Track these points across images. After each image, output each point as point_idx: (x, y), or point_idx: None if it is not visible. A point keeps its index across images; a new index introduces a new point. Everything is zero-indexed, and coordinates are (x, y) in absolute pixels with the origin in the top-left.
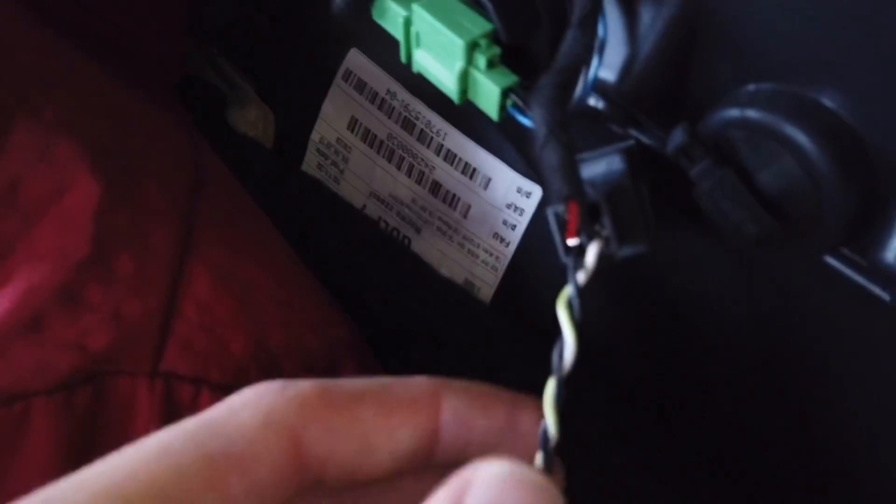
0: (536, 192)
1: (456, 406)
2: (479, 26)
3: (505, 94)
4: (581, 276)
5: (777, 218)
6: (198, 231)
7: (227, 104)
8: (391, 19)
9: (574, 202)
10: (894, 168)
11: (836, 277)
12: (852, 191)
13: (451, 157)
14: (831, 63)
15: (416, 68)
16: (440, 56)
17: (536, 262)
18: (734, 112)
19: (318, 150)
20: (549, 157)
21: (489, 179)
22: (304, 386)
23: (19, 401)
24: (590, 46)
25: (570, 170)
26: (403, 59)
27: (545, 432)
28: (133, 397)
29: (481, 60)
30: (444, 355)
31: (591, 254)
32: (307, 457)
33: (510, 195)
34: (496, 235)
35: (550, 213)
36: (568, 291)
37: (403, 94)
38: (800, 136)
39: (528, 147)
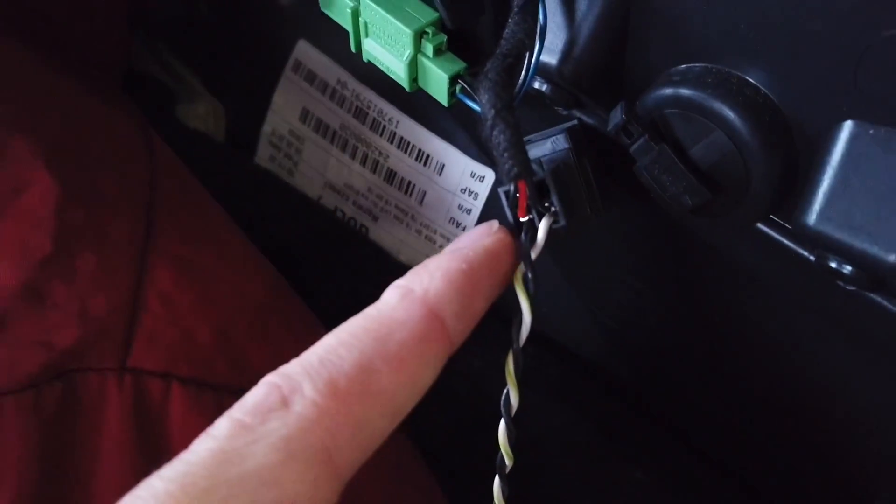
0: (489, 175)
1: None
2: (425, 14)
3: (453, 80)
4: (534, 253)
5: (710, 189)
6: (157, 223)
7: (175, 100)
8: (339, 10)
9: (523, 181)
10: (811, 138)
11: (766, 242)
12: (776, 161)
13: (404, 145)
14: (753, 43)
15: (366, 57)
16: (389, 45)
17: None
18: (668, 91)
19: (270, 142)
20: (498, 138)
21: (443, 165)
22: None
23: None
24: (532, 32)
25: (518, 150)
26: (353, 48)
27: (507, 399)
28: (102, 394)
29: (429, 48)
30: None
31: (542, 229)
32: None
33: (464, 180)
34: (452, 220)
35: (501, 192)
36: (521, 267)
37: (354, 84)
38: (727, 112)
39: (479, 130)
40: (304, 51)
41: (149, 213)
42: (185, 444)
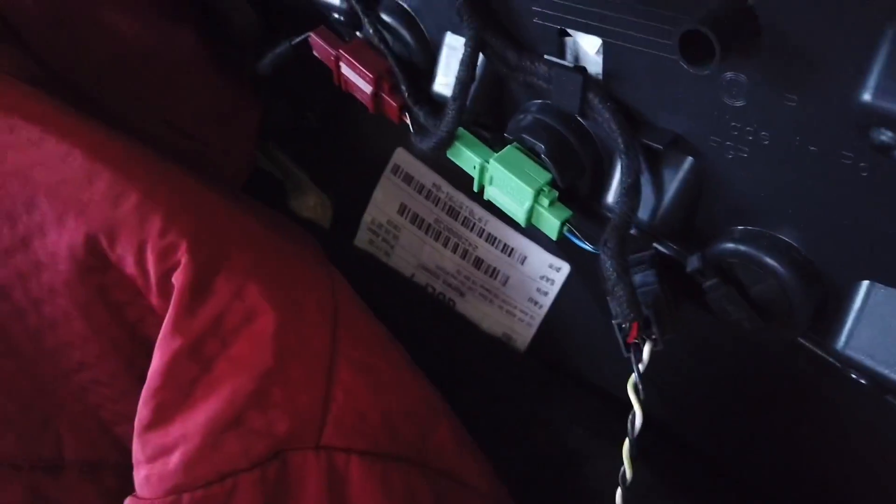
0: (566, 267)
1: None
2: (542, 176)
3: (562, 223)
4: (641, 366)
5: (763, 318)
6: (340, 332)
7: (286, 192)
8: (466, 162)
9: (637, 322)
10: (835, 283)
11: (804, 351)
12: (811, 299)
13: (491, 239)
14: (788, 213)
15: (487, 196)
16: (510, 194)
17: (565, 321)
18: (730, 246)
19: (369, 228)
20: (619, 292)
21: (525, 257)
22: None
23: (229, 477)
24: (635, 208)
25: (633, 302)
26: (475, 189)
27: (623, 476)
28: (304, 467)
29: (545, 201)
30: (486, 396)
31: (646, 351)
32: None
33: (543, 269)
34: (531, 300)
35: (616, 325)
36: (633, 377)
37: (447, 188)
38: (775, 266)
39: (601, 281)
40: (402, 157)
41: (334, 323)
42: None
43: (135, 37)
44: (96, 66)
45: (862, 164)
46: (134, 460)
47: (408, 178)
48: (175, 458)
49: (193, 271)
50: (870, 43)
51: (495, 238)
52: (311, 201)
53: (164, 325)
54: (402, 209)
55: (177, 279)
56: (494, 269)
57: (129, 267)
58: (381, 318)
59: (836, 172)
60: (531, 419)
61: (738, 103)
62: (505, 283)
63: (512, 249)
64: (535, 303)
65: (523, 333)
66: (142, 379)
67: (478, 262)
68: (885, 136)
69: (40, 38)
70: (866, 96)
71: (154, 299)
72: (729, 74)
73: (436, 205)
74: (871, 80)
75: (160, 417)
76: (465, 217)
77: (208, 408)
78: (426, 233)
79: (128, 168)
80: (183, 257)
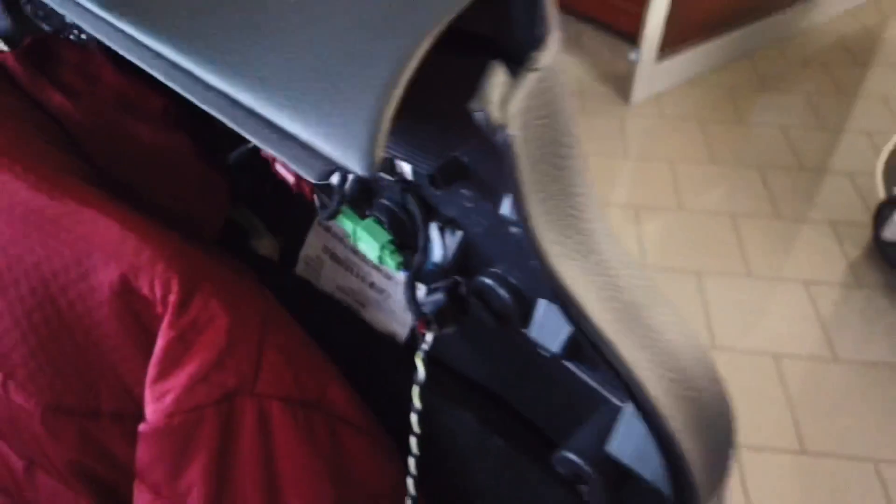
0: (423, 287)
1: None
2: (386, 237)
3: (398, 264)
4: (425, 346)
5: (499, 320)
6: (267, 327)
7: (250, 236)
8: (346, 226)
9: (421, 321)
10: (528, 299)
11: (519, 335)
12: (520, 308)
13: (378, 269)
14: (504, 262)
15: (353, 242)
16: (369, 245)
17: None
18: (483, 279)
19: (304, 261)
20: (411, 305)
21: (399, 281)
22: None
23: (200, 409)
24: (425, 259)
25: (417, 309)
26: (351, 241)
27: (418, 377)
28: (244, 405)
29: (387, 251)
30: (378, 372)
31: (430, 336)
32: None
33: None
34: (405, 309)
35: (413, 323)
36: (420, 351)
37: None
38: (502, 292)
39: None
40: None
41: (264, 321)
42: (280, 428)
43: (151, 140)
44: (127, 161)
45: (514, 230)
46: (146, 402)
47: (328, 229)
48: (169, 398)
49: (180, 294)
50: (506, 186)
51: (380, 269)
52: (266, 243)
53: (163, 324)
54: (325, 249)
55: (171, 298)
56: (382, 288)
57: (145, 290)
58: (312, 322)
59: (500, 238)
60: (404, 386)
61: (470, 204)
62: (388, 298)
63: (391, 276)
64: (407, 311)
65: (401, 332)
66: (150, 357)
67: (371, 285)
68: (515, 229)
69: (91, 145)
70: (503, 210)
71: (159, 309)
72: (464, 191)
73: (345, 247)
74: (506, 201)
75: (161, 375)
76: (362, 256)
77: (188, 370)
78: (339, 265)
79: (144, 234)
80: (175, 286)
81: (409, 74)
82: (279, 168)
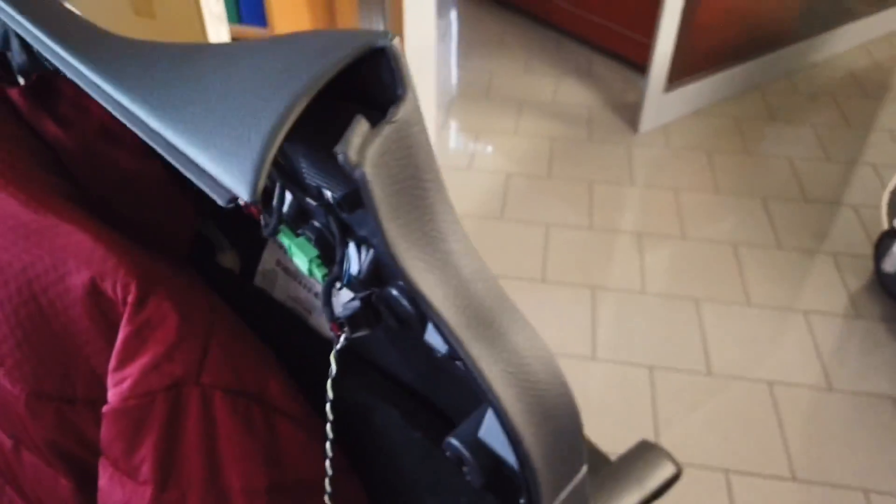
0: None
1: None
2: (314, 252)
3: (323, 276)
4: (338, 345)
5: (401, 325)
6: (213, 328)
7: (215, 250)
8: (284, 242)
9: (334, 324)
10: (420, 308)
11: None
12: (418, 315)
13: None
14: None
15: (290, 256)
16: (301, 259)
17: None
18: (388, 290)
19: (261, 273)
20: (325, 310)
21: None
22: None
23: (152, 394)
24: (341, 270)
25: (330, 314)
26: (289, 256)
27: (332, 372)
28: (190, 393)
29: (314, 264)
30: (320, 371)
31: (343, 338)
32: None
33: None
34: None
35: (327, 322)
36: (334, 350)
37: None
38: (403, 301)
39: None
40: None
41: (210, 321)
42: (221, 415)
43: (128, 166)
44: (108, 182)
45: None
46: (108, 387)
47: (281, 245)
48: (126, 384)
49: (137, 296)
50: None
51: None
52: (229, 257)
53: (122, 320)
54: (278, 262)
55: (130, 299)
56: None
57: (110, 292)
58: (268, 327)
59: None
60: (342, 385)
61: (363, 232)
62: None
63: None
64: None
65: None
66: (113, 348)
67: (316, 294)
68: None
69: (77, 168)
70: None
71: (121, 308)
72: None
73: None
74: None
75: (120, 365)
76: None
77: (142, 361)
78: (290, 277)
79: (112, 245)
80: (133, 289)
81: (286, 126)
82: None
